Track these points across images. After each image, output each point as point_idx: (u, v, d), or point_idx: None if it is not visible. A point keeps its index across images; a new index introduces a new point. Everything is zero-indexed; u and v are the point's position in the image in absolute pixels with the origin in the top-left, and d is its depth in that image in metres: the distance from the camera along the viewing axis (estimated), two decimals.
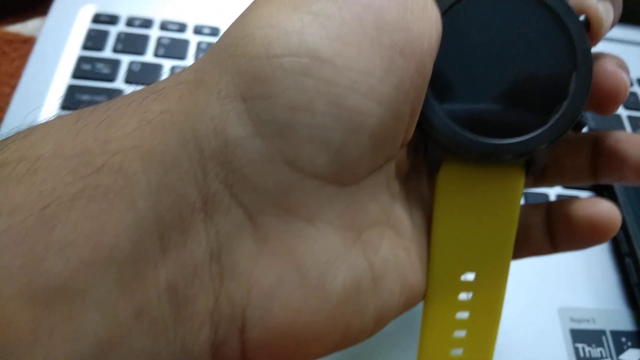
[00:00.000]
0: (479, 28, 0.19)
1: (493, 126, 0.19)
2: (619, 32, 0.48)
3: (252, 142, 0.16)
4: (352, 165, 0.17)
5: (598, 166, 0.22)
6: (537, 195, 0.36)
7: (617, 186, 0.35)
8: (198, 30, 0.40)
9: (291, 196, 0.16)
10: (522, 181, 0.20)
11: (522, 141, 0.18)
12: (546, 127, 0.19)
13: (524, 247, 0.22)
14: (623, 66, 0.20)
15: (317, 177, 0.16)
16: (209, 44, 0.40)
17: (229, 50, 0.16)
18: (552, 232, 0.22)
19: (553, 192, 0.37)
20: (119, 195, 0.14)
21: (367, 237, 0.18)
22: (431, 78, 0.18)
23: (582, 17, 0.19)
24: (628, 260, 0.33)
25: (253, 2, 0.17)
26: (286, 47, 0.16)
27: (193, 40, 0.40)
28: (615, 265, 0.34)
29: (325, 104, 0.16)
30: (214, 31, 0.41)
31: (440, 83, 0.19)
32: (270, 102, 0.15)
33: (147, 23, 0.40)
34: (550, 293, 0.33)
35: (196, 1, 0.42)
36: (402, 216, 0.20)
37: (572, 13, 0.19)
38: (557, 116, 0.19)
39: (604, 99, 0.19)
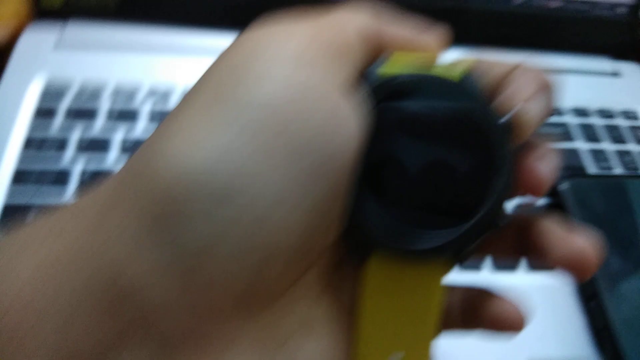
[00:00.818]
0: (404, 128, 0.19)
1: (418, 225, 0.19)
2: (550, 60, 0.48)
3: (163, 275, 0.15)
4: (266, 291, 0.17)
5: (523, 246, 0.22)
6: None
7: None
8: (150, 95, 0.40)
9: (204, 327, 0.16)
10: (447, 273, 0.20)
11: (446, 240, 0.19)
12: (468, 226, 0.19)
13: (441, 326, 0.22)
14: (547, 155, 0.20)
15: (231, 307, 0.16)
16: (162, 113, 0.39)
17: (143, 170, 0.16)
18: (465, 314, 0.22)
19: None
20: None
21: (287, 347, 0.18)
22: (359, 180, 0.18)
23: (506, 117, 0.19)
24: (593, 303, 0.33)
25: (173, 114, 0.17)
26: (195, 180, 0.15)
27: (145, 107, 0.40)
28: (582, 309, 0.34)
29: (238, 235, 0.15)
30: (166, 96, 0.40)
31: (368, 184, 0.19)
32: (179, 236, 0.15)
33: (98, 92, 0.40)
34: (518, 343, 0.32)
35: (150, 63, 0.42)
36: (326, 314, 0.20)
37: (494, 114, 0.19)
38: (478, 215, 0.19)
39: (526, 191, 0.20)
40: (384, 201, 0.19)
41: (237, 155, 0.16)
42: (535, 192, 0.19)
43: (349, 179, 0.18)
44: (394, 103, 0.19)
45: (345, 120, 0.17)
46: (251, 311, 0.17)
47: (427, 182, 0.19)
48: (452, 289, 0.22)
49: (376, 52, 0.20)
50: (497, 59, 0.22)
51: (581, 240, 0.20)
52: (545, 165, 0.20)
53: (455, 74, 0.20)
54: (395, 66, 0.20)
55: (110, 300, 0.15)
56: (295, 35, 0.18)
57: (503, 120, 0.19)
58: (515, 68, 0.21)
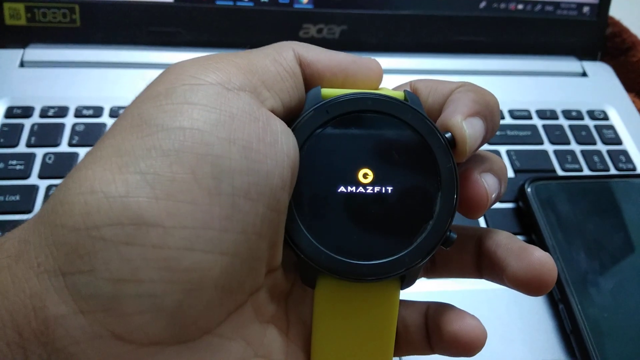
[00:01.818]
0: (346, 150, 0.19)
1: (363, 248, 0.19)
2: (494, 62, 0.48)
3: (75, 320, 0.15)
4: (197, 321, 0.16)
5: (481, 266, 0.22)
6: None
7: (545, 229, 0.35)
8: (114, 114, 0.40)
9: (131, 357, 0.15)
10: (398, 292, 0.20)
11: (391, 262, 0.19)
12: (413, 247, 0.19)
13: (404, 346, 0.22)
14: (493, 170, 0.20)
15: (153, 344, 0.16)
16: None
17: (50, 218, 0.15)
18: (428, 334, 0.22)
19: None
20: None
21: None
22: (299, 204, 0.18)
23: (447, 134, 0.19)
24: (561, 307, 0.33)
25: (81, 161, 0.17)
26: (107, 216, 0.15)
27: (109, 123, 0.39)
28: (550, 312, 0.34)
29: (154, 270, 0.15)
30: None
31: (309, 208, 0.19)
32: (91, 277, 0.15)
33: (61, 111, 0.39)
34: (487, 349, 0.32)
35: (114, 82, 0.42)
36: (275, 340, 0.20)
37: (436, 132, 0.19)
38: (423, 236, 0.19)
39: (467, 206, 0.20)
40: (324, 232, 0.19)
41: (150, 188, 0.15)
42: (473, 206, 0.20)
43: (285, 198, 0.18)
44: (335, 125, 0.19)
45: (273, 146, 0.17)
46: (185, 339, 0.16)
47: (371, 204, 0.19)
48: (412, 307, 0.22)
49: (310, 82, 0.20)
50: (440, 80, 0.22)
51: (538, 254, 0.20)
52: (487, 180, 0.20)
53: (399, 94, 0.20)
54: (335, 94, 0.20)
55: (31, 334, 0.15)
56: (223, 65, 0.18)
57: (447, 136, 0.19)
58: (457, 88, 0.21)
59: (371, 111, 0.19)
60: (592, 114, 0.45)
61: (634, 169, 0.42)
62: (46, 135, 0.38)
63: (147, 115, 0.16)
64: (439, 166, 0.19)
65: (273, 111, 0.18)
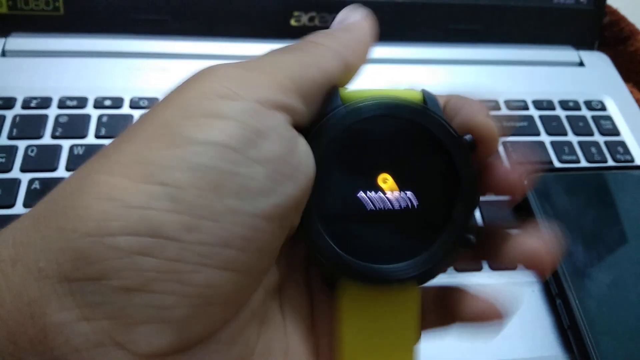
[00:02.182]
0: (366, 155, 0.19)
1: (383, 252, 0.19)
2: (490, 52, 0.47)
3: (77, 328, 0.14)
4: (201, 334, 0.16)
5: (482, 257, 0.22)
6: None
7: (541, 221, 0.34)
8: (99, 105, 0.39)
9: None
10: (418, 292, 0.20)
11: (410, 264, 0.19)
12: (432, 249, 0.19)
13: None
14: (520, 156, 0.20)
15: (154, 355, 0.15)
16: (111, 116, 0.38)
17: (58, 221, 0.15)
18: (439, 312, 0.21)
19: None
20: None
21: None
22: (320, 212, 0.18)
23: (467, 137, 0.19)
24: (559, 301, 0.32)
25: (96, 161, 0.16)
26: (124, 225, 0.14)
27: (94, 114, 0.38)
28: (548, 307, 0.33)
29: (167, 283, 0.15)
30: (115, 102, 0.39)
31: (329, 214, 0.19)
32: (101, 284, 0.14)
33: (44, 102, 0.38)
34: (484, 344, 0.31)
35: (98, 72, 0.41)
36: (273, 338, 0.19)
37: (455, 136, 0.19)
38: (442, 239, 0.19)
39: (506, 195, 0.20)
40: (346, 238, 0.19)
41: (171, 201, 0.15)
42: (511, 193, 0.20)
43: (297, 216, 0.18)
44: (355, 130, 0.19)
45: (296, 168, 0.17)
46: (183, 349, 0.16)
47: (391, 209, 0.19)
48: (424, 289, 0.22)
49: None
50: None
51: (533, 241, 0.20)
52: (518, 169, 0.20)
53: (417, 93, 0.20)
54: (352, 96, 0.20)
55: (27, 342, 0.14)
56: (263, 79, 0.17)
57: (467, 137, 0.19)
58: (459, 97, 0.21)
59: (390, 115, 0.19)
60: (589, 105, 0.44)
61: (632, 160, 0.41)
62: (28, 126, 0.37)
63: (175, 124, 0.16)
64: (458, 169, 0.19)
65: (302, 122, 0.18)
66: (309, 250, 0.19)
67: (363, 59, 0.20)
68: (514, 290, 0.34)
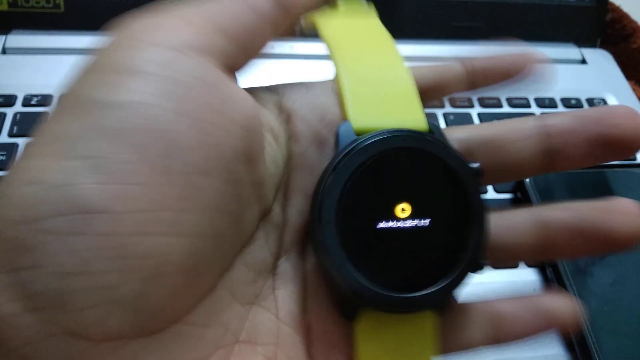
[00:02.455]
0: (384, 187, 0.19)
1: (405, 281, 0.19)
2: (492, 49, 0.47)
3: (25, 319, 0.14)
4: (163, 311, 0.15)
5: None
6: None
7: None
8: None
9: (91, 355, 0.14)
10: (436, 321, 0.20)
11: (432, 293, 0.19)
12: (452, 277, 0.19)
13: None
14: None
15: (113, 339, 0.14)
16: None
17: None
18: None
19: None
20: None
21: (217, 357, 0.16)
22: (345, 243, 0.18)
23: (475, 165, 0.20)
24: None
25: (24, 150, 0.15)
26: (48, 208, 0.14)
27: None
28: None
29: (106, 260, 0.14)
30: None
31: (353, 246, 0.19)
32: (37, 272, 0.13)
33: (45, 100, 0.38)
34: None
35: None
36: (261, 322, 0.18)
37: (464, 164, 0.20)
38: (460, 266, 0.19)
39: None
40: (365, 266, 0.19)
41: (93, 173, 0.14)
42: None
43: (244, 168, 0.17)
44: (373, 163, 0.19)
45: (224, 114, 0.16)
46: (151, 331, 0.15)
47: (408, 238, 0.19)
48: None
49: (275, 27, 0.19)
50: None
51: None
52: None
53: (423, 124, 0.20)
54: (360, 116, 0.20)
55: None
56: (169, 19, 0.17)
57: (474, 166, 0.20)
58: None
59: (405, 148, 0.19)
60: (591, 102, 0.44)
61: (634, 158, 0.41)
62: (29, 124, 0.37)
63: (86, 92, 0.15)
64: (468, 196, 0.19)
65: (237, 64, 0.17)
66: (330, 279, 0.19)
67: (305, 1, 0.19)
68: (514, 290, 0.33)
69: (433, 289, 0.19)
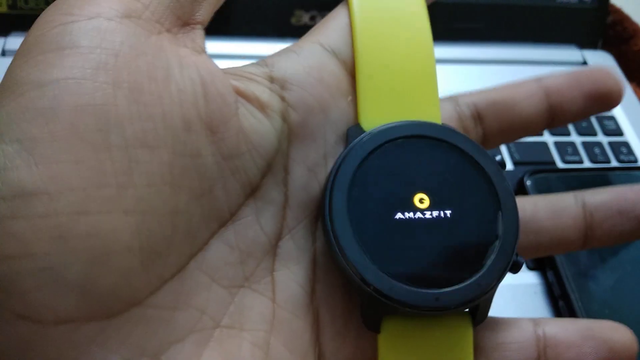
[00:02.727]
0: (398, 176, 0.18)
1: (429, 278, 0.17)
2: (517, 51, 0.47)
3: None
4: (115, 292, 0.15)
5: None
6: None
7: None
8: None
9: (37, 351, 0.14)
10: (470, 331, 0.18)
11: (465, 287, 0.17)
12: (485, 270, 0.17)
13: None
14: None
15: (65, 322, 0.14)
16: None
17: None
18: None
19: None
20: None
21: (170, 356, 0.15)
22: (363, 241, 0.17)
23: (497, 157, 0.19)
24: (561, 303, 0.32)
25: None
26: None
27: None
28: (551, 309, 0.33)
29: (46, 242, 0.13)
30: None
31: (371, 241, 0.17)
32: None
33: None
34: None
35: None
36: (251, 307, 0.17)
37: (486, 153, 0.19)
38: (493, 257, 0.18)
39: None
40: (389, 263, 0.17)
41: (27, 154, 0.14)
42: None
43: (192, 157, 0.16)
44: (384, 152, 0.18)
45: (167, 82, 0.15)
46: (107, 314, 0.15)
47: (433, 233, 0.18)
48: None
49: None
50: None
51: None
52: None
53: (436, 117, 0.20)
54: (372, 117, 0.19)
55: None
56: None
57: (498, 157, 0.19)
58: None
59: (417, 136, 0.19)
60: None
61: (636, 160, 0.40)
62: None
63: (18, 73, 0.15)
64: (495, 186, 0.18)
65: (189, 18, 0.17)
66: (350, 282, 0.17)
67: None
68: (516, 291, 0.33)
69: (465, 284, 0.17)
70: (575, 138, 0.41)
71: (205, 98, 0.16)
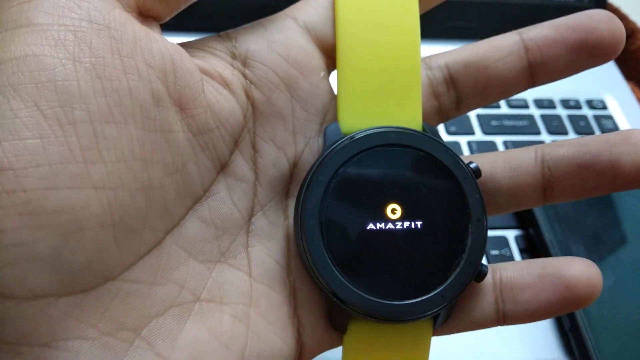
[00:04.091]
0: (372, 186, 0.18)
1: (397, 288, 0.18)
2: None
3: None
4: (90, 266, 0.15)
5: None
6: None
7: (543, 223, 0.33)
8: None
9: (12, 327, 0.14)
10: (430, 332, 0.19)
11: (427, 299, 0.18)
12: (448, 283, 0.18)
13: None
14: None
15: (39, 297, 0.14)
16: None
17: None
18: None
19: None
20: None
21: (152, 330, 0.16)
22: (330, 246, 0.17)
23: (473, 165, 0.19)
24: None
25: None
26: None
27: None
28: None
29: (14, 218, 0.13)
30: None
31: (340, 250, 0.18)
32: None
33: None
34: (484, 346, 0.31)
35: None
36: (229, 281, 0.18)
37: (460, 163, 0.18)
38: (457, 270, 0.18)
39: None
40: (357, 268, 0.18)
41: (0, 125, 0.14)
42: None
43: (163, 132, 0.16)
44: (359, 161, 0.18)
45: (132, 57, 0.15)
46: (82, 288, 0.15)
47: (403, 243, 0.18)
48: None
49: None
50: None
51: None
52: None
53: (418, 125, 0.19)
54: (350, 116, 0.19)
55: None
56: None
57: (472, 166, 0.19)
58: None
59: (394, 145, 0.18)
60: (590, 103, 0.43)
61: None
62: None
63: None
64: (466, 197, 0.18)
65: (151, 11, 0.16)
66: (319, 288, 0.18)
67: None
68: None
69: (428, 296, 0.18)
70: (573, 137, 0.41)
71: (175, 74, 0.16)
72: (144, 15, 0.17)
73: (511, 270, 0.20)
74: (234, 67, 0.19)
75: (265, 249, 0.19)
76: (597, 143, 0.19)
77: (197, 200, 0.17)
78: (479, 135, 0.40)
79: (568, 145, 0.19)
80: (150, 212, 0.16)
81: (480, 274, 0.18)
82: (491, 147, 0.39)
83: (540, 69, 0.20)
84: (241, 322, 0.17)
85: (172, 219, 0.17)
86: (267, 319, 0.18)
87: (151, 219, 0.16)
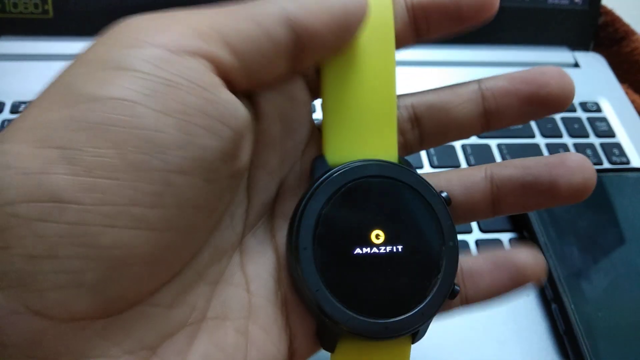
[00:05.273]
0: (358, 214, 0.20)
1: (382, 307, 0.19)
2: (484, 53, 0.47)
3: None
4: (124, 296, 0.16)
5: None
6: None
7: (537, 225, 0.34)
8: None
9: (47, 345, 0.15)
10: (409, 347, 0.21)
11: (410, 317, 0.20)
12: (427, 301, 0.20)
13: None
14: None
15: (76, 319, 0.15)
16: None
17: None
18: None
19: (472, 238, 0.35)
20: None
21: (166, 348, 0.17)
22: (322, 270, 0.19)
23: (444, 194, 0.21)
24: (554, 306, 0.32)
25: (4, 131, 0.16)
26: (21, 193, 0.14)
27: None
28: (543, 312, 0.32)
29: (71, 247, 0.14)
30: None
31: (330, 273, 0.19)
32: (5, 253, 0.14)
33: None
34: (479, 349, 0.31)
35: None
36: (230, 298, 0.19)
37: (434, 193, 0.21)
38: (435, 290, 0.20)
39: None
40: (346, 290, 0.19)
41: (68, 164, 0.14)
42: None
43: (224, 168, 0.17)
44: (346, 192, 0.20)
45: (215, 118, 0.16)
46: (112, 312, 0.16)
47: (385, 266, 0.20)
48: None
49: (304, 45, 0.18)
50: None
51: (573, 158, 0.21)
52: None
53: (394, 157, 0.21)
54: (335, 150, 0.21)
55: None
56: (176, 23, 0.17)
57: (443, 194, 0.21)
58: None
59: (376, 176, 0.20)
60: (584, 106, 0.44)
61: (628, 162, 0.40)
62: None
63: (74, 83, 0.15)
64: (440, 223, 0.20)
65: (234, 77, 0.17)
66: (308, 307, 0.19)
67: (329, 26, 0.18)
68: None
69: (410, 314, 0.19)
70: (567, 140, 0.41)
71: (238, 133, 0.17)
72: (228, 83, 0.18)
73: (470, 261, 0.22)
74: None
75: (258, 265, 0.20)
76: (538, 166, 0.21)
77: (212, 232, 0.19)
78: (473, 139, 0.40)
79: (513, 166, 0.22)
80: (184, 250, 0.17)
81: (454, 292, 0.20)
82: (486, 150, 0.39)
83: (494, 116, 0.22)
84: (242, 335, 0.18)
85: (195, 252, 0.18)
86: (265, 330, 0.19)
87: (182, 255, 0.17)
